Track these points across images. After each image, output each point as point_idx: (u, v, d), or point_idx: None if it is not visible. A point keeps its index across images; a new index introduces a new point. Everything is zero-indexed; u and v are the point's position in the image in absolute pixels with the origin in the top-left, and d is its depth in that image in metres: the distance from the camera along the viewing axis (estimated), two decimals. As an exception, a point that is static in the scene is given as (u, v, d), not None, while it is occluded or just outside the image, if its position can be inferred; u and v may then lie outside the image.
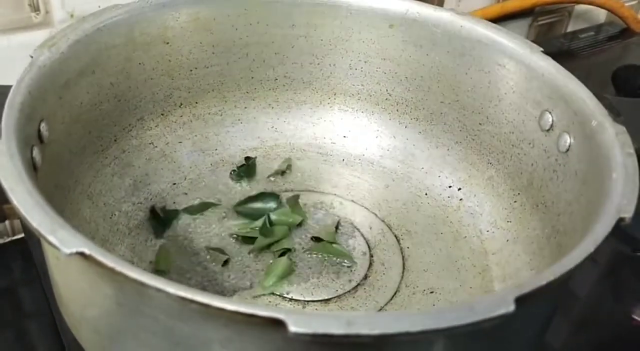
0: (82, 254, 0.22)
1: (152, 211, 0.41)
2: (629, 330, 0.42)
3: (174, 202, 0.42)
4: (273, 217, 0.41)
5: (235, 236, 0.40)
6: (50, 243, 0.23)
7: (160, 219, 0.40)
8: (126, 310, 0.24)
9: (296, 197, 0.43)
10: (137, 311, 0.24)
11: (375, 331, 0.21)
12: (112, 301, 0.25)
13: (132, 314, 0.24)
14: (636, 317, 0.42)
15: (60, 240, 0.22)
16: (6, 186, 0.25)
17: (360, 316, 0.21)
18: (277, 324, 0.21)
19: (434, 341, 0.23)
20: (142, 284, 0.21)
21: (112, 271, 0.22)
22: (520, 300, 0.22)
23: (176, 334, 0.24)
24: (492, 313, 0.22)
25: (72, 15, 0.46)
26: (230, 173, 0.45)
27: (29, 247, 0.44)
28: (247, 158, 0.45)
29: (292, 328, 0.20)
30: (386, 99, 0.47)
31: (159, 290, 0.21)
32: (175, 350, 0.24)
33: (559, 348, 0.40)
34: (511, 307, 0.22)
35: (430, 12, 0.42)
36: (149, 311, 0.23)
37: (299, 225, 0.41)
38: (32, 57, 0.32)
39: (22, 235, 0.48)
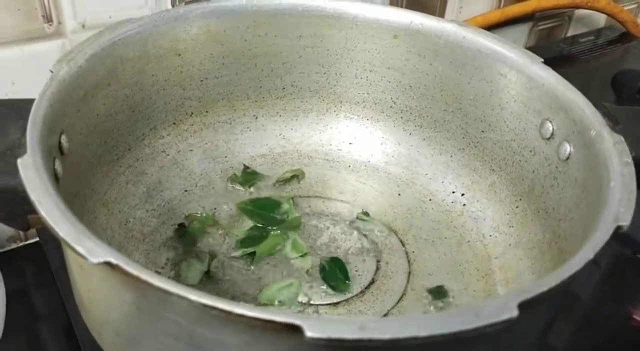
0: (108, 264, 0.23)
1: (179, 230, 0.42)
2: (630, 331, 0.43)
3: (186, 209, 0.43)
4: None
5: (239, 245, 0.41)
6: (78, 253, 0.24)
7: (190, 236, 0.41)
8: (148, 315, 0.26)
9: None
10: (159, 317, 0.25)
11: (386, 336, 0.22)
12: (134, 306, 0.26)
13: (153, 319, 0.26)
14: (637, 318, 0.43)
15: (88, 250, 0.24)
16: (34, 198, 0.26)
17: (372, 322, 0.22)
18: (294, 329, 0.22)
19: (441, 344, 0.24)
20: (166, 292, 0.23)
21: (137, 279, 0.23)
22: (523, 306, 0.23)
23: (196, 338, 0.25)
24: (496, 319, 0.23)
25: (83, 26, 0.47)
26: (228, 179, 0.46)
27: (43, 251, 0.45)
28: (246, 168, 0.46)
29: (309, 333, 0.22)
30: (391, 107, 0.48)
31: (181, 297, 0.23)
32: (195, 353, 0.25)
33: (561, 348, 0.41)
34: (515, 313, 0.23)
35: (433, 23, 0.44)
36: (170, 317, 0.25)
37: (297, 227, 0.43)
38: (52, 71, 0.34)
39: (35, 239, 0.49)
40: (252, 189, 0.46)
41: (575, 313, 0.44)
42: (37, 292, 0.44)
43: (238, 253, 0.41)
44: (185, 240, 0.41)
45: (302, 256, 0.41)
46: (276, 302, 0.38)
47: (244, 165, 0.46)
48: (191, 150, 0.45)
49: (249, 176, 0.46)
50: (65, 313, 0.41)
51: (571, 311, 0.44)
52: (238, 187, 0.45)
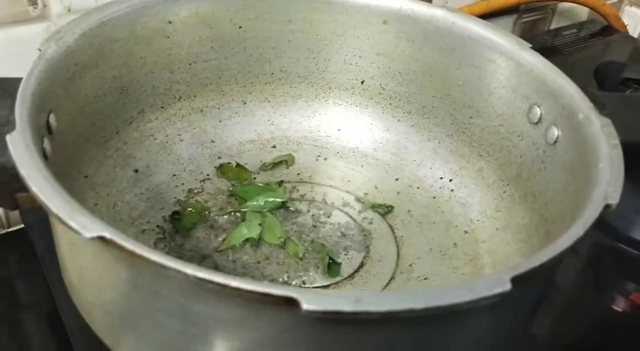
0: (102, 238, 0.23)
1: (173, 216, 0.41)
2: (609, 320, 0.43)
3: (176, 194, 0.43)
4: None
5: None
6: (71, 228, 0.23)
7: (182, 225, 0.41)
8: (143, 292, 0.25)
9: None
10: (154, 293, 0.25)
11: (382, 308, 0.22)
12: (129, 283, 0.26)
13: (148, 296, 0.25)
14: (616, 307, 0.44)
15: (81, 225, 0.23)
16: (24, 174, 0.25)
17: (368, 295, 0.22)
18: (290, 303, 0.22)
19: (436, 318, 0.24)
20: (162, 266, 0.22)
21: (131, 254, 0.23)
22: (515, 280, 0.24)
23: (191, 314, 0.25)
24: (490, 292, 0.23)
25: (69, 10, 0.46)
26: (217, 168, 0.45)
27: (27, 239, 0.44)
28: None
29: (305, 305, 0.22)
30: (379, 93, 0.48)
31: (177, 272, 0.22)
32: (190, 329, 0.25)
33: (542, 337, 0.42)
34: (507, 286, 0.23)
35: (423, 9, 0.44)
36: (166, 293, 0.24)
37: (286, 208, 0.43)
38: (40, 50, 0.33)
39: (18, 227, 0.48)
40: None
41: (557, 302, 0.44)
42: (21, 281, 0.44)
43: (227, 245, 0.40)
44: (177, 227, 0.41)
45: (292, 241, 0.41)
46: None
47: (237, 162, 0.46)
48: (179, 135, 0.45)
49: (239, 173, 0.46)
50: (51, 302, 0.40)
51: (553, 300, 0.44)
52: (226, 180, 0.45)
